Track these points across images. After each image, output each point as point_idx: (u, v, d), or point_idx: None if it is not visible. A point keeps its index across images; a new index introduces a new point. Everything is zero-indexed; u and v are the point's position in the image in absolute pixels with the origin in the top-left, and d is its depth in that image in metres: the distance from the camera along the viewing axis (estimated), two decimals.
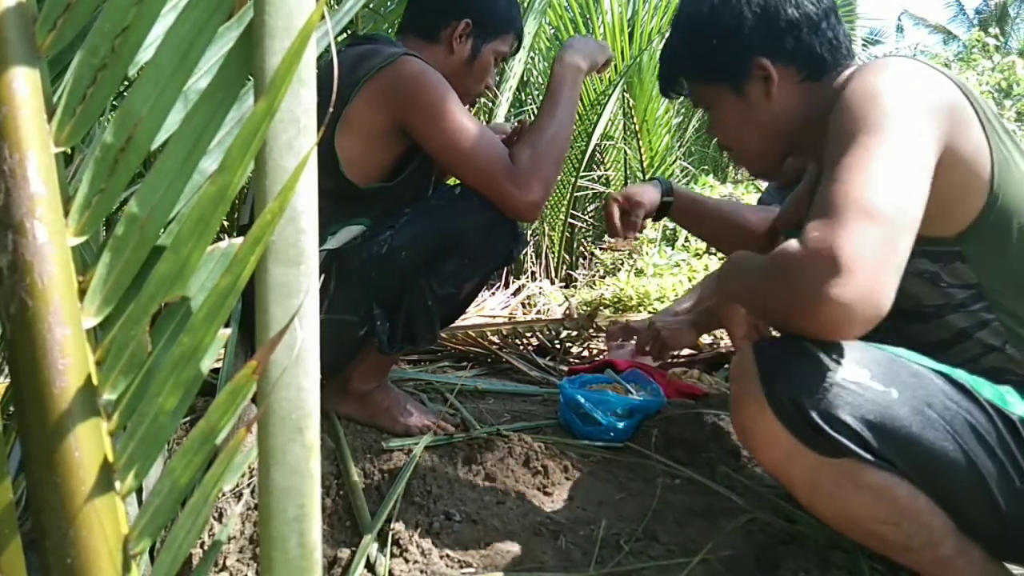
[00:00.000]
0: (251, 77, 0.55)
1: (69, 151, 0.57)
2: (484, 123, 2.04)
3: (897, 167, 0.96)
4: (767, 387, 0.98)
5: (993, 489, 0.96)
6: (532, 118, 1.74)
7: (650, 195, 1.76)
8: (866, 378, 0.96)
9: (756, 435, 1.01)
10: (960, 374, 1.03)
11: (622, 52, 4.28)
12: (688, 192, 1.87)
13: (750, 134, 1.30)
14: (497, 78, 4.30)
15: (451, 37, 1.71)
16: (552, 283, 4.61)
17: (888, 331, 0.97)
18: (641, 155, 5.57)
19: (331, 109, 1.42)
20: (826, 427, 0.94)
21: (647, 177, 5.60)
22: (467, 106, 1.78)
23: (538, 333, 2.74)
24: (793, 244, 0.94)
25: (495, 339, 2.59)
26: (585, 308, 3.28)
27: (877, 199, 0.92)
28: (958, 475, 0.96)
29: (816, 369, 0.96)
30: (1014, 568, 1.08)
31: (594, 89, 4.47)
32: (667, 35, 1.37)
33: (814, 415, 0.94)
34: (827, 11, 1.22)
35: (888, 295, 0.90)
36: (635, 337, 2.15)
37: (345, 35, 2.95)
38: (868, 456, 0.95)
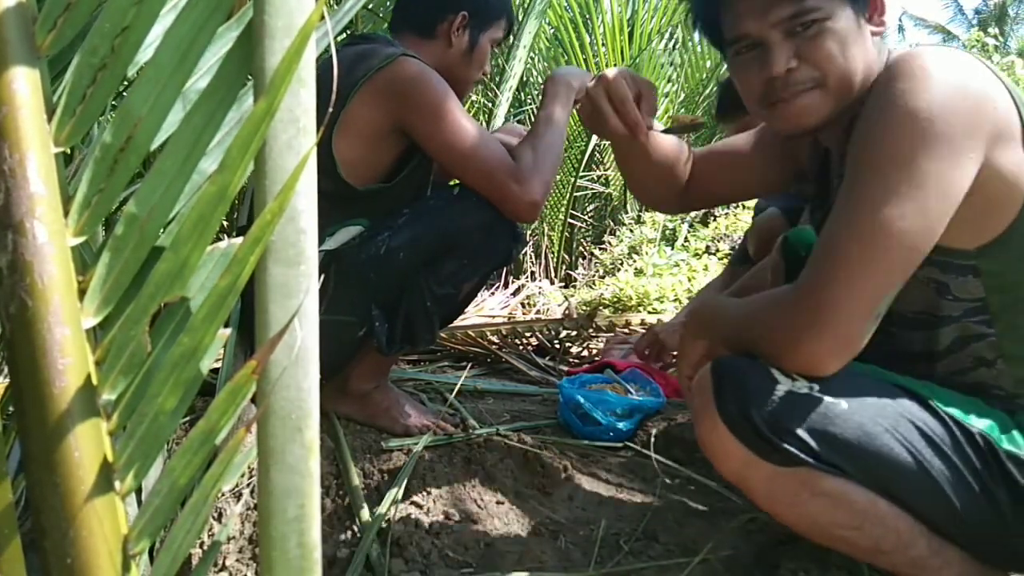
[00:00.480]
0: (251, 77, 0.55)
1: (69, 151, 0.57)
2: (485, 123, 2.04)
3: (915, 210, 0.93)
4: (719, 401, 1.01)
5: (949, 494, 0.98)
6: (530, 120, 1.74)
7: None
8: (815, 391, 0.99)
9: (712, 447, 1.04)
10: (919, 387, 1.05)
11: (622, 52, 4.28)
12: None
13: (854, 63, 1.06)
14: (497, 78, 4.31)
15: (448, 31, 1.70)
16: (551, 283, 4.61)
17: (879, 334, 0.98)
18: None
19: (331, 109, 1.42)
20: (774, 437, 0.97)
21: None
22: (466, 98, 1.78)
23: (537, 333, 2.74)
24: (788, 290, 1.01)
25: (494, 339, 2.59)
26: (584, 308, 3.28)
27: (881, 249, 0.94)
28: (909, 480, 0.98)
29: (765, 383, 0.99)
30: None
31: None
32: None
33: (761, 426, 0.97)
34: None
35: (863, 339, 0.96)
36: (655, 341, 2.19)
37: (345, 35, 2.95)
38: (817, 464, 0.97)
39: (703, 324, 1.21)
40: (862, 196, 0.96)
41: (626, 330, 2.88)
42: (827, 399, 0.98)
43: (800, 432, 0.96)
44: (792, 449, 0.96)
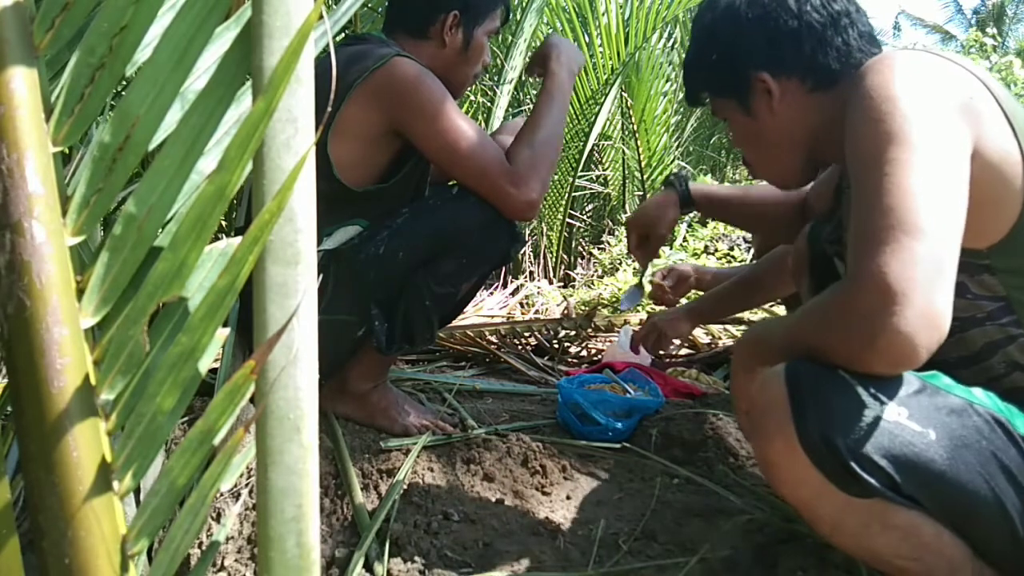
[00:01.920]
0: (249, 76, 0.55)
1: (67, 151, 0.57)
2: (484, 122, 2.05)
3: (932, 178, 0.91)
4: (799, 422, 0.91)
5: (1016, 524, 0.93)
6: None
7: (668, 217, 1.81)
8: (904, 417, 0.91)
9: (782, 471, 0.95)
10: (998, 405, 0.99)
11: (618, 51, 4.28)
12: (705, 190, 1.84)
13: (760, 148, 1.26)
14: (496, 77, 4.31)
15: (441, 32, 1.69)
16: (550, 283, 4.61)
17: None
18: (639, 155, 5.57)
19: (329, 108, 1.42)
20: (859, 470, 0.89)
21: (644, 176, 5.60)
22: (466, 93, 1.78)
23: (536, 333, 2.74)
24: (841, 284, 0.92)
25: (493, 339, 2.58)
26: (583, 308, 3.28)
27: (917, 217, 0.88)
28: (985, 515, 0.93)
29: (852, 406, 0.91)
30: None
31: (590, 87, 4.47)
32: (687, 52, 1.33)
33: (847, 456, 0.89)
34: (835, 17, 1.15)
35: (947, 315, 0.86)
36: (677, 280, 2.19)
37: (343, 35, 2.95)
38: (900, 499, 0.91)
39: (755, 352, 1.11)
40: (874, 178, 0.93)
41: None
42: (915, 427, 0.91)
43: (885, 464, 0.89)
44: (875, 483, 0.89)
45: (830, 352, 0.93)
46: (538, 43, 5.07)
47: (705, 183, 1.92)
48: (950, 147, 0.94)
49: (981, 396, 0.99)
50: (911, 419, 0.91)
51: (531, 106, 5.36)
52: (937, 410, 0.94)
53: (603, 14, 4.28)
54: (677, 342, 2.54)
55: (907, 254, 0.86)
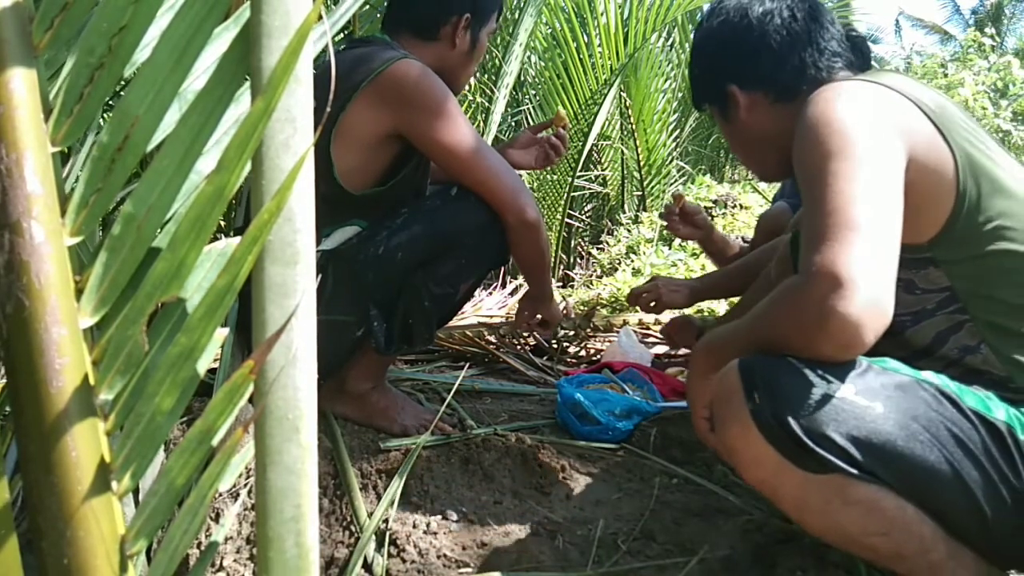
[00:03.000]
0: (248, 77, 0.55)
1: (66, 150, 0.57)
2: (482, 123, 2.08)
3: (870, 184, 1.01)
4: (751, 405, 0.98)
5: (979, 498, 0.97)
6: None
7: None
8: (851, 393, 0.97)
9: (741, 453, 1.01)
10: (945, 383, 1.04)
11: (617, 51, 4.28)
12: (705, 284, 2.20)
13: (740, 148, 1.47)
14: (494, 77, 4.31)
15: (453, 33, 1.69)
16: None
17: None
18: (638, 155, 5.58)
19: (328, 109, 1.42)
20: (812, 444, 0.94)
21: (643, 176, 5.60)
22: (465, 95, 1.82)
23: (535, 333, 2.74)
24: (795, 278, 1.00)
25: (492, 339, 2.58)
26: (582, 308, 3.28)
27: (859, 216, 0.97)
28: (944, 486, 0.97)
29: (801, 386, 0.97)
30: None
31: (589, 88, 4.47)
32: None
33: (799, 432, 0.95)
34: (793, 39, 1.30)
35: (890, 301, 0.94)
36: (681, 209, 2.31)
37: (343, 35, 2.95)
38: (854, 471, 0.95)
39: (711, 357, 1.17)
40: (819, 188, 1.03)
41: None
42: (863, 402, 0.96)
43: (837, 438, 0.94)
44: (830, 456, 0.94)
45: (784, 340, 1.00)
46: (535, 46, 5.08)
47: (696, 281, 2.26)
48: (885, 159, 1.05)
49: (930, 376, 1.05)
50: (858, 395, 0.98)
51: (529, 106, 5.37)
52: (883, 386, 1.00)
53: (602, 14, 4.28)
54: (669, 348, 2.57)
55: (852, 247, 0.95)
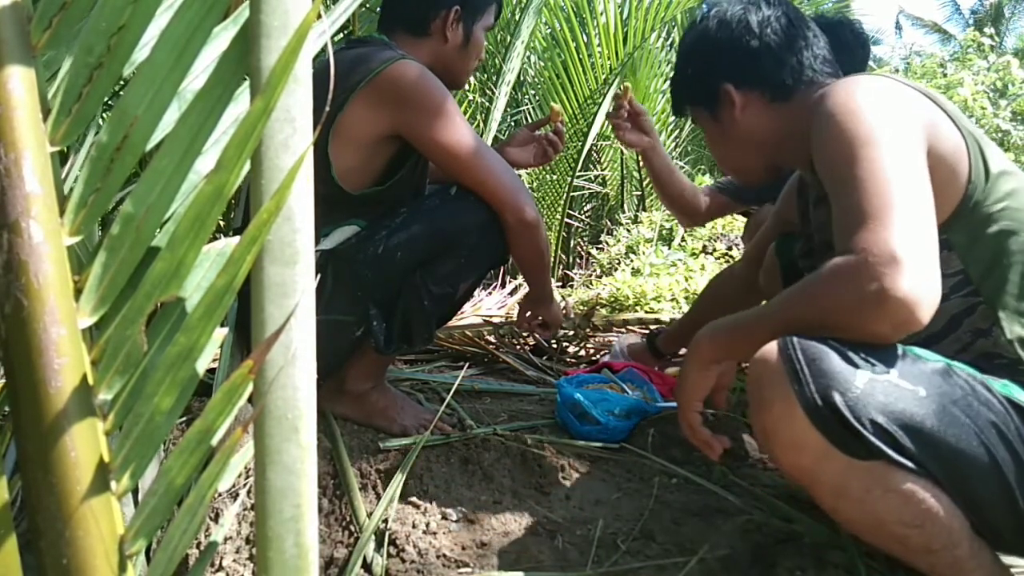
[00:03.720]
0: (247, 76, 0.55)
1: (65, 150, 0.57)
2: (482, 122, 2.08)
3: (903, 168, 1.03)
4: (796, 386, 0.95)
5: (1012, 483, 0.97)
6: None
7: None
8: (893, 376, 0.96)
9: (782, 437, 0.99)
10: (971, 370, 1.04)
11: (617, 50, 4.28)
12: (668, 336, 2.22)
13: (727, 151, 1.45)
14: (494, 77, 4.31)
15: (443, 27, 1.69)
16: None
17: None
18: (638, 155, 5.57)
19: (327, 108, 1.42)
20: (860, 427, 0.93)
21: (642, 176, 5.60)
22: (464, 94, 1.81)
23: (534, 332, 2.73)
24: (842, 258, 0.98)
25: (492, 339, 2.58)
26: (582, 308, 3.28)
27: (899, 197, 0.99)
28: (982, 471, 0.96)
29: (846, 368, 0.95)
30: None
31: (588, 87, 4.47)
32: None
33: (847, 414, 0.93)
34: (792, 39, 1.33)
35: (939, 280, 0.96)
36: None
37: (342, 35, 2.95)
38: (900, 458, 0.94)
39: (722, 346, 1.15)
40: (851, 176, 1.04)
41: (623, 331, 2.88)
42: (907, 385, 0.96)
43: (883, 421, 0.93)
44: (877, 441, 0.93)
45: (834, 320, 0.99)
46: (535, 45, 5.09)
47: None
48: (910, 144, 1.07)
49: (954, 362, 1.05)
50: (901, 378, 0.97)
51: (529, 106, 5.37)
52: (922, 371, 1.00)
53: (601, 14, 4.28)
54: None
55: (900, 226, 0.96)
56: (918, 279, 0.93)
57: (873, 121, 1.07)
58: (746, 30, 1.34)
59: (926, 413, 0.95)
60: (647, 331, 2.85)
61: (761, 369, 1.00)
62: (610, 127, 5.57)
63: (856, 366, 0.95)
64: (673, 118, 5.78)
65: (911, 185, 1.02)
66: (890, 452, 0.93)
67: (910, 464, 0.94)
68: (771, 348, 1.00)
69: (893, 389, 0.95)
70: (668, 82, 5.39)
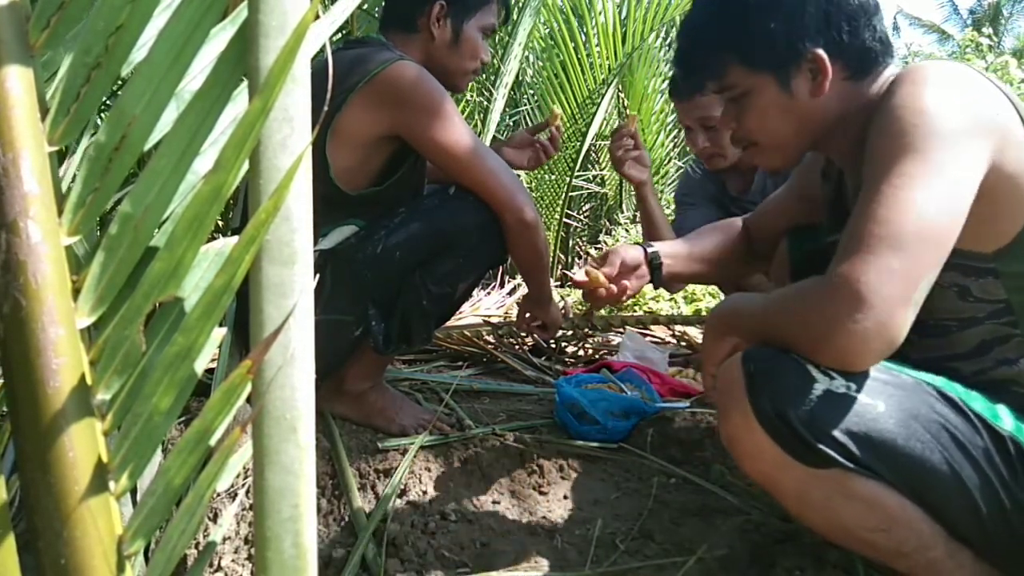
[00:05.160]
0: (245, 76, 0.54)
1: (63, 150, 0.57)
2: (481, 123, 2.07)
3: (935, 195, 0.95)
4: (753, 398, 0.97)
5: (976, 498, 0.97)
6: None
7: (632, 252, 1.55)
8: (852, 391, 0.96)
9: (742, 446, 1.01)
10: (951, 387, 1.03)
11: (615, 50, 4.28)
12: (672, 247, 1.64)
13: (784, 128, 1.20)
14: (492, 78, 4.31)
15: (428, 23, 1.69)
16: None
17: (904, 344, 0.95)
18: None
19: (325, 108, 1.42)
20: (812, 440, 0.94)
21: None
22: (464, 92, 1.79)
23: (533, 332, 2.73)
24: (819, 279, 0.96)
25: (490, 339, 2.58)
26: (580, 308, 3.28)
27: (908, 232, 0.93)
28: (942, 485, 0.97)
29: (802, 381, 0.96)
30: None
31: (587, 87, 4.47)
32: (699, 17, 1.25)
33: (800, 428, 0.94)
34: (876, 8, 1.16)
35: (903, 330, 0.92)
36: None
37: (340, 35, 2.95)
38: (853, 467, 0.95)
39: (728, 322, 1.16)
40: (882, 187, 0.97)
41: (621, 330, 2.88)
42: (865, 399, 0.96)
43: (837, 434, 0.94)
44: (829, 451, 0.94)
45: (791, 339, 0.99)
46: (534, 46, 5.08)
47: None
48: (965, 166, 0.97)
49: (933, 379, 1.04)
50: (860, 392, 0.97)
51: (528, 107, 5.37)
52: (885, 384, 0.99)
53: (599, 13, 4.28)
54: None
55: (885, 267, 0.91)
56: (877, 329, 0.90)
57: (935, 126, 0.97)
58: None
59: (883, 427, 0.96)
60: (644, 332, 2.86)
61: (725, 378, 1.03)
62: (609, 127, 5.58)
63: (814, 379, 0.96)
64: (672, 117, 5.77)
65: (933, 221, 0.94)
66: (843, 462, 0.94)
67: (866, 471, 0.95)
68: (735, 358, 1.02)
69: (850, 403, 0.95)
70: (666, 82, 5.40)
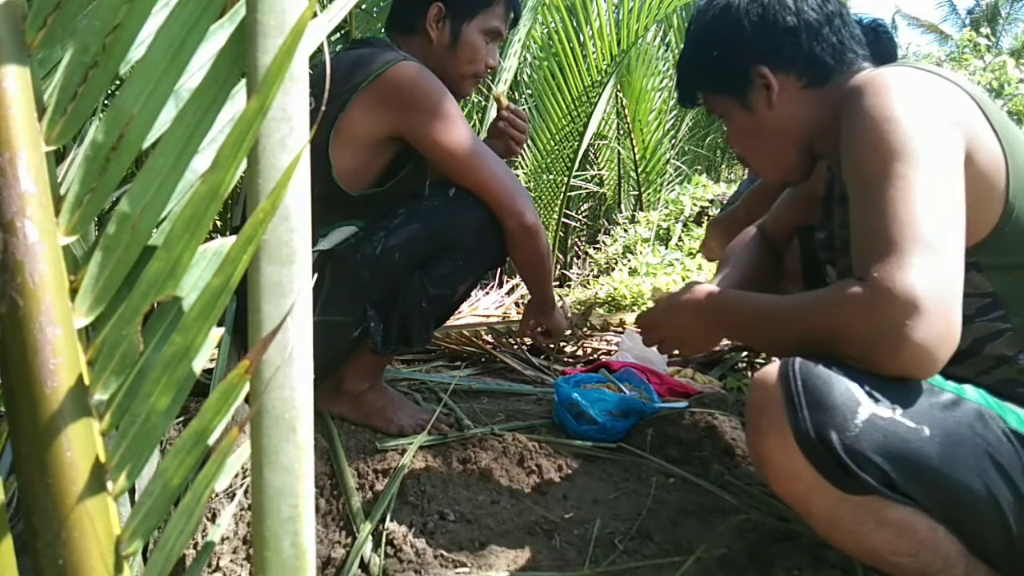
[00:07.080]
0: (243, 75, 0.54)
1: (60, 149, 0.57)
2: (479, 122, 2.06)
3: (938, 193, 0.96)
4: (792, 418, 0.93)
5: (1010, 519, 0.95)
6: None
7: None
8: (898, 414, 0.93)
9: (776, 467, 0.97)
10: (986, 399, 1.01)
11: (611, 49, 4.28)
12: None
13: (758, 144, 1.29)
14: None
15: (427, 25, 1.68)
16: None
17: None
18: (635, 154, 5.58)
19: (324, 108, 1.42)
20: (853, 466, 0.91)
21: (640, 175, 5.60)
22: (465, 94, 1.77)
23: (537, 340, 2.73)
24: (862, 287, 0.94)
25: (489, 338, 2.58)
26: (579, 307, 3.28)
27: (931, 231, 0.93)
28: (979, 509, 0.95)
29: (846, 403, 0.92)
30: None
31: (584, 86, 4.47)
32: (685, 45, 1.36)
33: (842, 454, 0.91)
34: (830, 16, 1.20)
35: (959, 330, 0.92)
36: None
37: (339, 35, 2.95)
38: (892, 494, 0.92)
39: (717, 315, 1.14)
40: (883, 191, 0.97)
41: (621, 330, 2.88)
42: (910, 424, 0.93)
43: (879, 461, 0.91)
44: (869, 479, 0.91)
45: (844, 346, 0.96)
46: (533, 43, 5.08)
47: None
48: (949, 161, 0.99)
49: (971, 392, 1.02)
50: (904, 416, 0.94)
51: (525, 106, 5.36)
52: (930, 407, 0.96)
53: (596, 14, 4.28)
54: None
55: (929, 271, 0.91)
56: (937, 329, 0.89)
57: (910, 131, 0.99)
58: (781, 5, 1.20)
59: (928, 454, 0.92)
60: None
61: (760, 395, 0.98)
62: (607, 127, 5.59)
63: (858, 401, 0.92)
64: (670, 116, 5.78)
65: (943, 213, 0.95)
66: (883, 490, 0.92)
67: (902, 498, 0.93)
68: (771, 371, 0.98)
69: (895, 427, 0.92)
70: (664, 80, 5.41)
